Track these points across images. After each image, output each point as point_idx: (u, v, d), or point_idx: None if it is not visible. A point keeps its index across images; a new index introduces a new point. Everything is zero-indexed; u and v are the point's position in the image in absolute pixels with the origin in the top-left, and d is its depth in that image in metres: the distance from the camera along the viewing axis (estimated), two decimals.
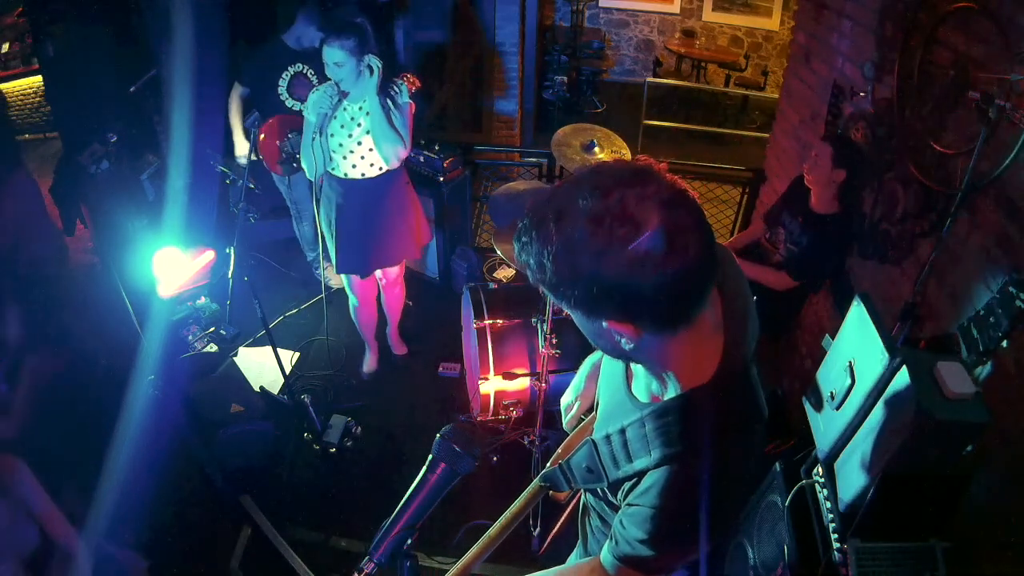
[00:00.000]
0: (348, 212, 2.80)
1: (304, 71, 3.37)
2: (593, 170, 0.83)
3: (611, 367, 1.18)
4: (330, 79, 2.60)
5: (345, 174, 2.72)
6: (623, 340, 0.88)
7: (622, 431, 1.01)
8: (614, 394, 1.14)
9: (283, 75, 3.34)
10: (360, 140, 2.67)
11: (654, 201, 0.78)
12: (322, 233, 2.89)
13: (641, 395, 1.05)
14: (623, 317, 0.84)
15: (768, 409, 1.02)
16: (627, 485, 1.03)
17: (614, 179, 0.80)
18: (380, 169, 2.74)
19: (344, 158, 2.69)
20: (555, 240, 0.80)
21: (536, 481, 1.31)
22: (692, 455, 0.92)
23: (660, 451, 0.94)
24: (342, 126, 2.64)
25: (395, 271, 3.11)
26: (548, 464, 1.28)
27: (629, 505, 1.01)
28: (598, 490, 1.18)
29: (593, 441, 1.08)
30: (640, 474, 0.98)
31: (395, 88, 2.66)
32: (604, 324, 0.86)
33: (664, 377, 0.97)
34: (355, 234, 2.85)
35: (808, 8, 3.31)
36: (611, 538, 1.06)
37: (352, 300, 3.11)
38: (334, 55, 2.48)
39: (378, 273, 3.07)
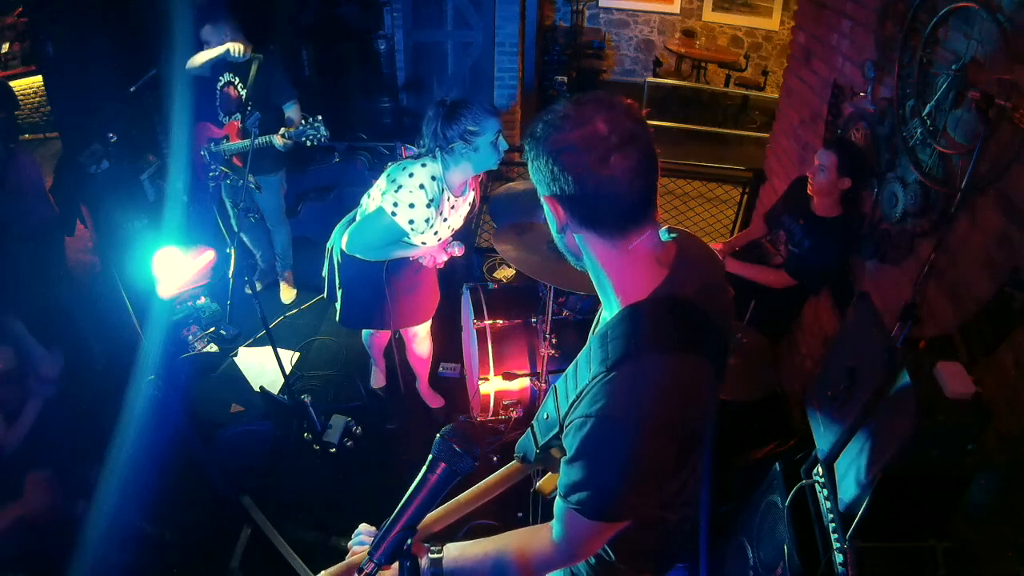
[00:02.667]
0: (405, 268, 2.53)
1: (234, 81, 3.23)
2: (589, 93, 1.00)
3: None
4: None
5: (423, 242, 2.41)
6: (556, 222, 1.03)
7: (576, 364, 1.05)
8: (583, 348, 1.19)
9: (217, 81, 3.22)
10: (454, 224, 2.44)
11: (611, 125, 0.93)
12: (340, 289, 2.59)
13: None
14: (551, 193, 0.99)
15: (768, 409, 1.03)
16: (570, 413, 1.03)
17: (596, 99, 0.97)
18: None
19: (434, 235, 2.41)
20: (537, 120, 1.00)
21: (514, 458, 1.33)
22: (624, 363, 0.95)
23: (598, 365, 0.97)
24: (450, 227, 2.39)
25: (427, 326, 2.93)
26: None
27: (566, 426, 1.02)
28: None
29: (555, 386, 1.13)
30: (580, 393, 1.00)
31: None
32: (543, 198, 1.02)
33: (609, 295, 1.04)
34: (410, 288, 2.62)
35: (808, 8, 3.31)
36: (559, 478, 1.07)
37: (365, 332, 3.02)
38: (494, 126, 2.13)
39: (410, 331, 2.88)
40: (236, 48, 3.08)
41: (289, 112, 3.26)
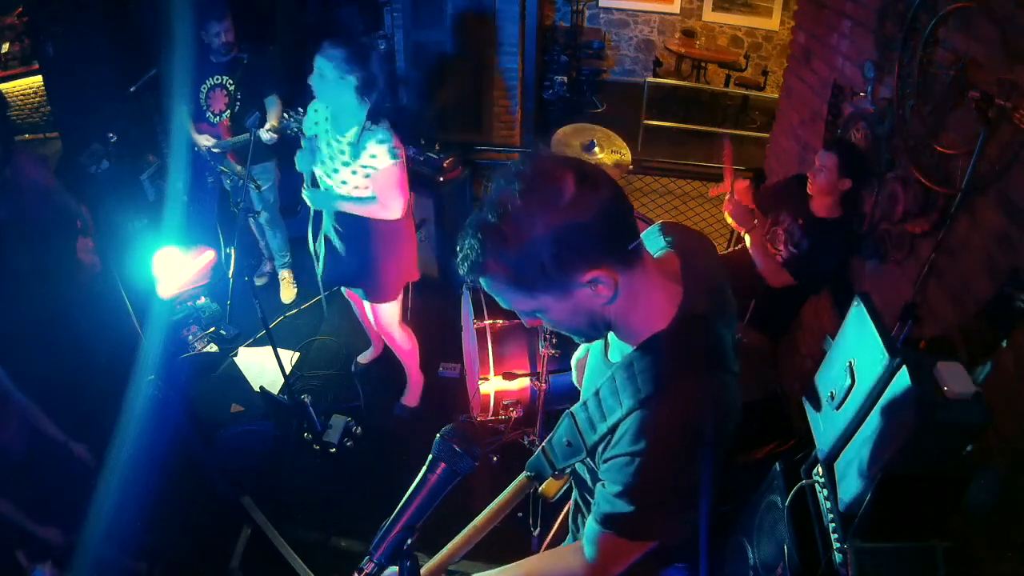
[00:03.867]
0: (321, 219, 2.64)
1: (223, 82, 3.24)
2: (504, 172, 0.93)
3: (595, 348, 1.21)
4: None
5: (325, 183, 2.55)
6: (602, 293, 0.92)
7: (596, 392, 1.04)
8: (593, 366, 1.18)
9: (202, 86, 3.23)
10: (341, 173, 2.47)
11: (559, 162, 0.90)
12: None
13: (614, 358, 1.08)
14: (593, 260, 0.89)
15: (768, 409, 1.03)
16: (602, 446, 1.04)
17: (524, 163, 0.91)
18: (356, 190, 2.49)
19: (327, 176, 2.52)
20: (503, 229, 0.87)
21: (523, 474, 1.33)
22: (658, 396, 0.95)
23: (629, 399, 0.97)
24: (330, 158, 2.46)
25: (376, 311, 2.80)
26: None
27: (605, 461, 1.02)
28: (585, 478, 1.20)
29: (571, 412, 1.13)
30: (614, 428, 1.00)
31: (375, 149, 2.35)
32: (581, 283, 0.90)
33: (633, 333, 1.01)
34: (326, 246, 2.70)
35: (808, 8, 3.31)
36: (594, 504, 1.07)
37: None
38: (318, 63, 2.29)
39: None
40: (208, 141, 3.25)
41: (269, 108, 3.27)
